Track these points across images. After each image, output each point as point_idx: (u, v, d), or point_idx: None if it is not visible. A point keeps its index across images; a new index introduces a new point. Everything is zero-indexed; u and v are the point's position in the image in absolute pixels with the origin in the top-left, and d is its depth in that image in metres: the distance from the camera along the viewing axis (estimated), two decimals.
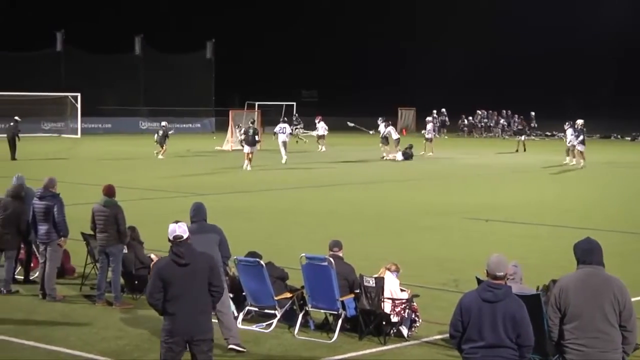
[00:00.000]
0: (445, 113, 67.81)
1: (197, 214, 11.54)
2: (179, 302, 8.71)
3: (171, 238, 8.87)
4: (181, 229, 8.88)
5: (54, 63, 65.89)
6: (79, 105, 60.97)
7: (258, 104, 59.23)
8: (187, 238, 8.88)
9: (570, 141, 41.47)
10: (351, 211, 24.78)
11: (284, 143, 40.53)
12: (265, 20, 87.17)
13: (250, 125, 39.90)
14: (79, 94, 60.84)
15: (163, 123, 45.65)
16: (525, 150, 49.82)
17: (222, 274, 10.62)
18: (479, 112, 69.98)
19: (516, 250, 17.58)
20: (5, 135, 42.96)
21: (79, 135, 59.60)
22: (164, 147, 42.59)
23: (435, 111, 67.04)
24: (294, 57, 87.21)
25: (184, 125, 69.16)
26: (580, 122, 41.75)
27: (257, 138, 37.91)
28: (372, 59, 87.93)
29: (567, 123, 42.64)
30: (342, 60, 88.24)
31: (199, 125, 69.25)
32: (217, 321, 11.72)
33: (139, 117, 69.23)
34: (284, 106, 68.89)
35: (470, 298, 7.87)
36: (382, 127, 44.99)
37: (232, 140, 48.95)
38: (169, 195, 27.72)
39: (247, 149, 37.73)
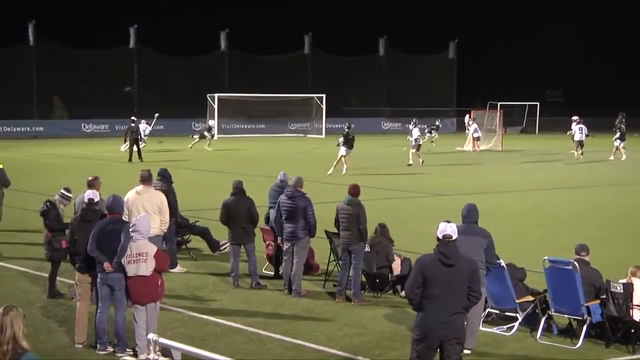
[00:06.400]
0: None
1: (470, 215, 11.61)
2: (437, 301, 8.75)
3: (440, 237, 8.89)
4: (451, 229, 8.90)
5: (301, 65, 67.90)
6: (324, 106, 62.40)
7: (500, 104, 58.38)
8: (455, 239, 8.91)
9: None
10: (598, 214, 23.96)
11: (581, 142, 42.09)
12: (507, 19, 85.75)
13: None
14: (324, 95, 62.36)
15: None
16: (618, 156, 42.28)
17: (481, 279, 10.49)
18: None
19: None
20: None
21: (323, 136, 60.91)
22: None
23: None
24: (537, 56, 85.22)
25: (425, 126, 69.37)
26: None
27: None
28: (623, 56, 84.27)
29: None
30: (587, 58, 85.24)
31: (440, 125, 69.28)
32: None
33: (381, 117, 70.12)
34: (527, 106, 67.57)
35: None
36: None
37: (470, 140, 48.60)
38: (410, 195, 27.89)
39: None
